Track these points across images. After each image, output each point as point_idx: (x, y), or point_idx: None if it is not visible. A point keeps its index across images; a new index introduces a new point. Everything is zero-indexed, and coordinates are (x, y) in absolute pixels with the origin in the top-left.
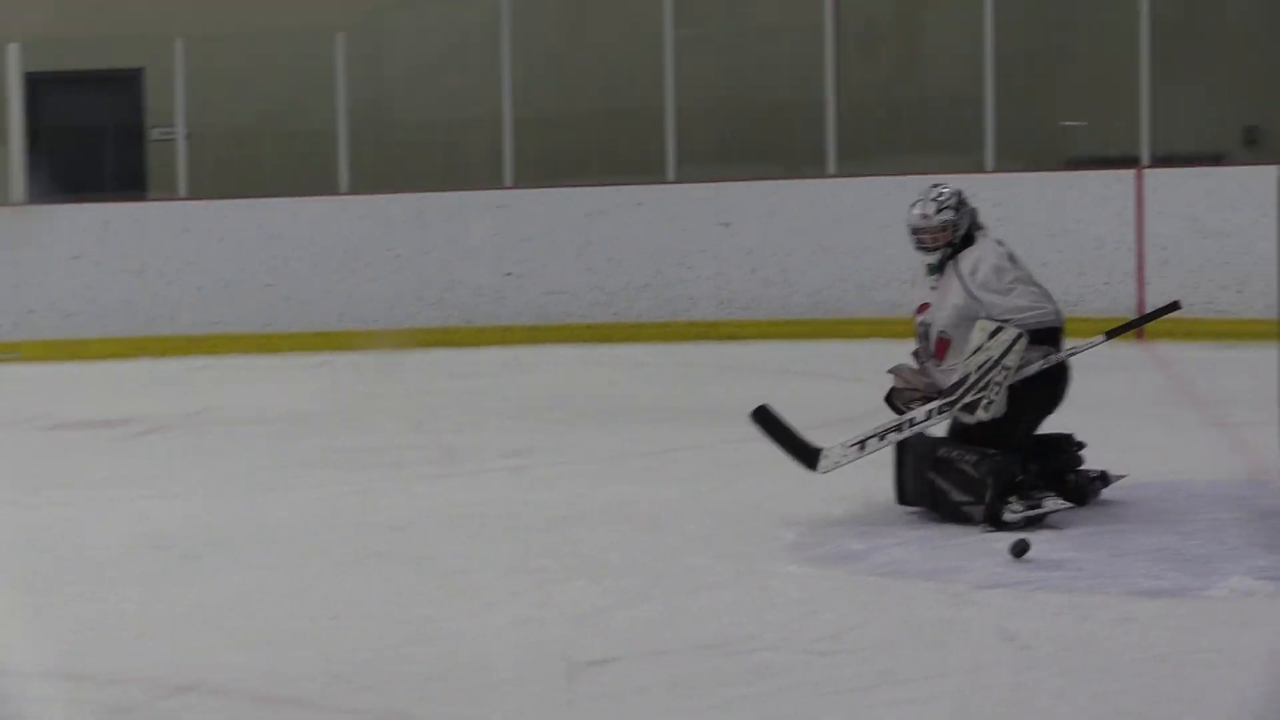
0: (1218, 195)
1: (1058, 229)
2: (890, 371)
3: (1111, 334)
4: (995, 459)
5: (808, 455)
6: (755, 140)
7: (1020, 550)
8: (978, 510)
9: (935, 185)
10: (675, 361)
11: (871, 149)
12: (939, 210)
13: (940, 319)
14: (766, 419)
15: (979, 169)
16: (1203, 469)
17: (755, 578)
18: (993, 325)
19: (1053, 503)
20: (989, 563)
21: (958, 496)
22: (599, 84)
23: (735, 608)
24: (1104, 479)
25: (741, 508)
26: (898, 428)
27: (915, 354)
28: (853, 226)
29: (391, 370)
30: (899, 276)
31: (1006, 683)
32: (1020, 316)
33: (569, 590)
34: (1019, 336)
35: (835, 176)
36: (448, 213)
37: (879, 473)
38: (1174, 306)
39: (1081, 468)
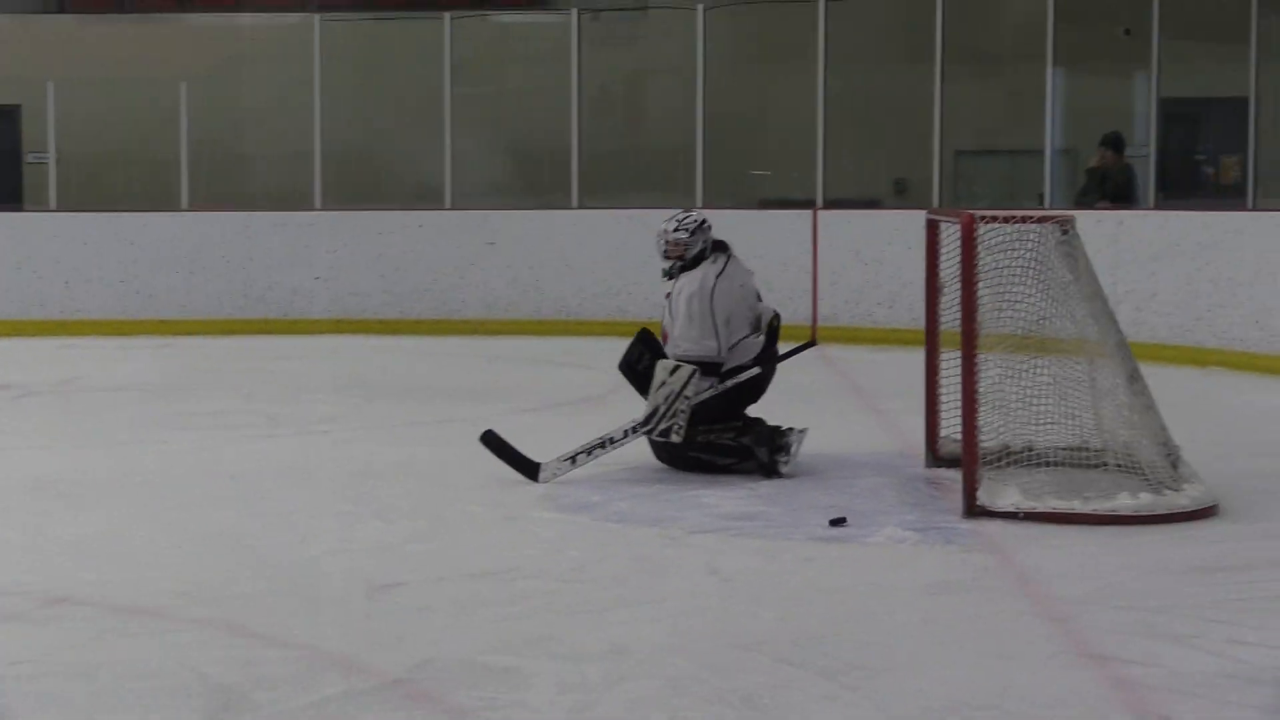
0: (875, 232)
1: (752, 255)
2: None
3: (762, 366)
4: (756, 429)
5: (529, 469)
6: (516, 177)
7: (838, 522)
8: (744, 466)
9: (687, 211)
10: (450, 352)
11: (606, 187)
12: (676, 230)
13: (666, 314)
14: (492, 441)
15: (691, 206)
16: (863, 445)
17: (516, 522)
18: (672, 364)
19: (796, 435)
20: (699, 514)
21: (724, 461)
22: (392, 129)
23: (501, 545)
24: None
25: (505, 467)
26: (601, 445)
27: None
28: (591, 248)
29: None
30: (624, 289)
31: (713, 607)
32: (686, 348)
33: (368, 528)
34: (693, 373)
35: (577, 208)
36: (268, 227)
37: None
38: (811, 344)
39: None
